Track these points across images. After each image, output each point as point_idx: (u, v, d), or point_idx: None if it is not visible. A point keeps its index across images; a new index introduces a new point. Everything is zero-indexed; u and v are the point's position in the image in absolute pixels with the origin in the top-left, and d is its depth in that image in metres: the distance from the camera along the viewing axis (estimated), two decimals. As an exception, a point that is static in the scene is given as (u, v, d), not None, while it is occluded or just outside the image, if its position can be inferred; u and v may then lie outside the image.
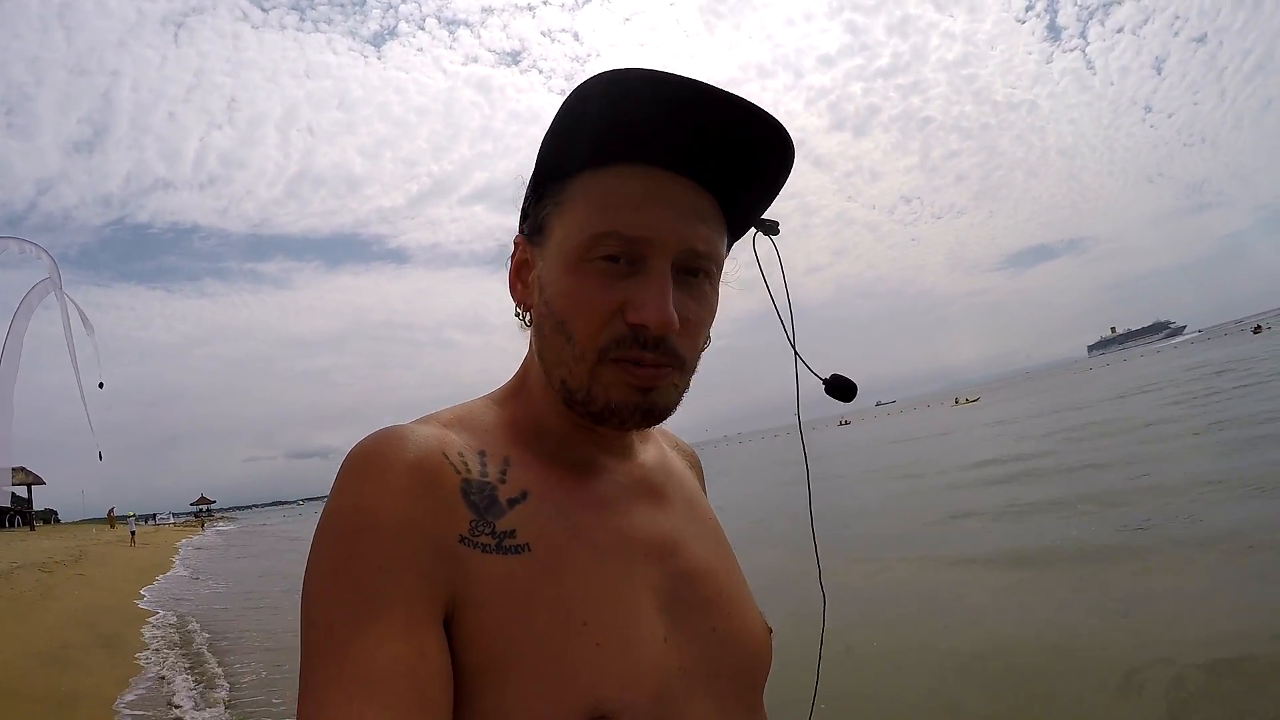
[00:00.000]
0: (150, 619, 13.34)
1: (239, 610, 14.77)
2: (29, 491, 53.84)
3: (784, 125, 0.77)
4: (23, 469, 47.91)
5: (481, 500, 0.75)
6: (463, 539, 0.72)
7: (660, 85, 0.73)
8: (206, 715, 7.15)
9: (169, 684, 8.31)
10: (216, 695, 7.81)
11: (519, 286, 0.88)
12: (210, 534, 61.41)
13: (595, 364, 0.77)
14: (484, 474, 0.78)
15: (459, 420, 0.83)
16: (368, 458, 0.73)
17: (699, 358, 0.83)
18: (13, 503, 41.86)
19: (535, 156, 0.85)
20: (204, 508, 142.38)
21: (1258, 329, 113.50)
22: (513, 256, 0.88)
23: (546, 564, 0.75)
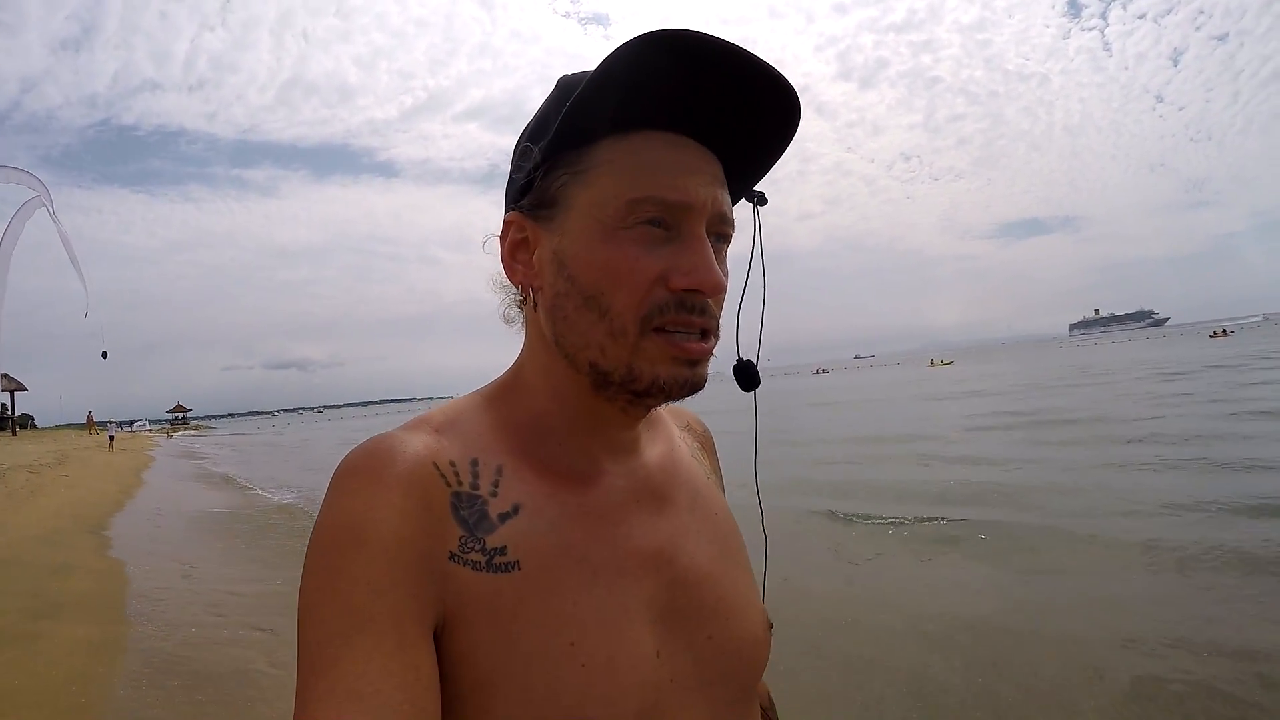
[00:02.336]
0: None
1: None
2: (11, 398, 55.18)
3: (799, 97, 0.77)
4: (6, 375, 49.15)
5: (472, 515, 0.75)
6: (452, 555, 0.72)
7: (687, 48, 0.71)
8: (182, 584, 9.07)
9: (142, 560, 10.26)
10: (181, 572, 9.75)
11: (518, 269, 0.83)
12: (169, 443, 63.09)
13: (637, 338, 0.76)
14: (475, 486, 0.77)
15: (451, 423, 0.82)
16: (357, 471, 0.72)
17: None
18: (-3, 409, 43.57)
19: (534, 127, 0.82)
20: (180, 415, 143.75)
21: (1214, 334, 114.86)
22: (503, 237, 0.84)
23: (536, 582, 0.74)
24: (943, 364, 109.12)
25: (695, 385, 0.80)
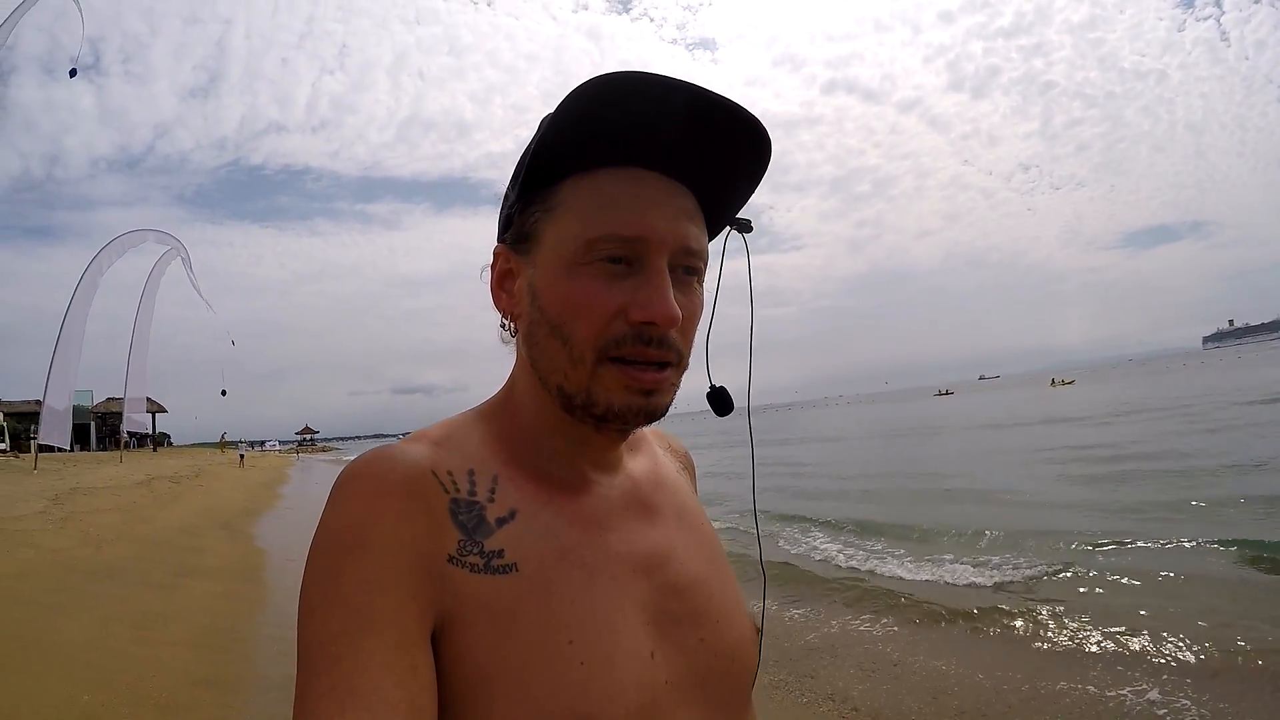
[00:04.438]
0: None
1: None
2: (153, 419, 60.21)
3: (764, 126, 0.79)
4: (149, 399, 53.59)
5: (470, 520, 0.76)
6: (451, 558, 0.73)
7: (647, 89, 0.74)
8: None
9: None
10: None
11: (503, 297, 0.88)
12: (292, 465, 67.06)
13: (594, 365, 0.78)
14: (473, 493, 0.78)
15: (448, 437, 0.84)
16: (359, 478, 0.74)
17: (690, 354, 0.84)
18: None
19: (515, 166, 0.85)
20: (307, 437, 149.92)
21: None
22: (493, 267, 0.88)
23: (533, 583, 0.75)
24: (1064, 384, 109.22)
25: (651, 414, 0.82)
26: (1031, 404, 55.72)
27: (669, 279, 0.78)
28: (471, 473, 0.80)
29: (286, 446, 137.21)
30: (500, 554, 0.76)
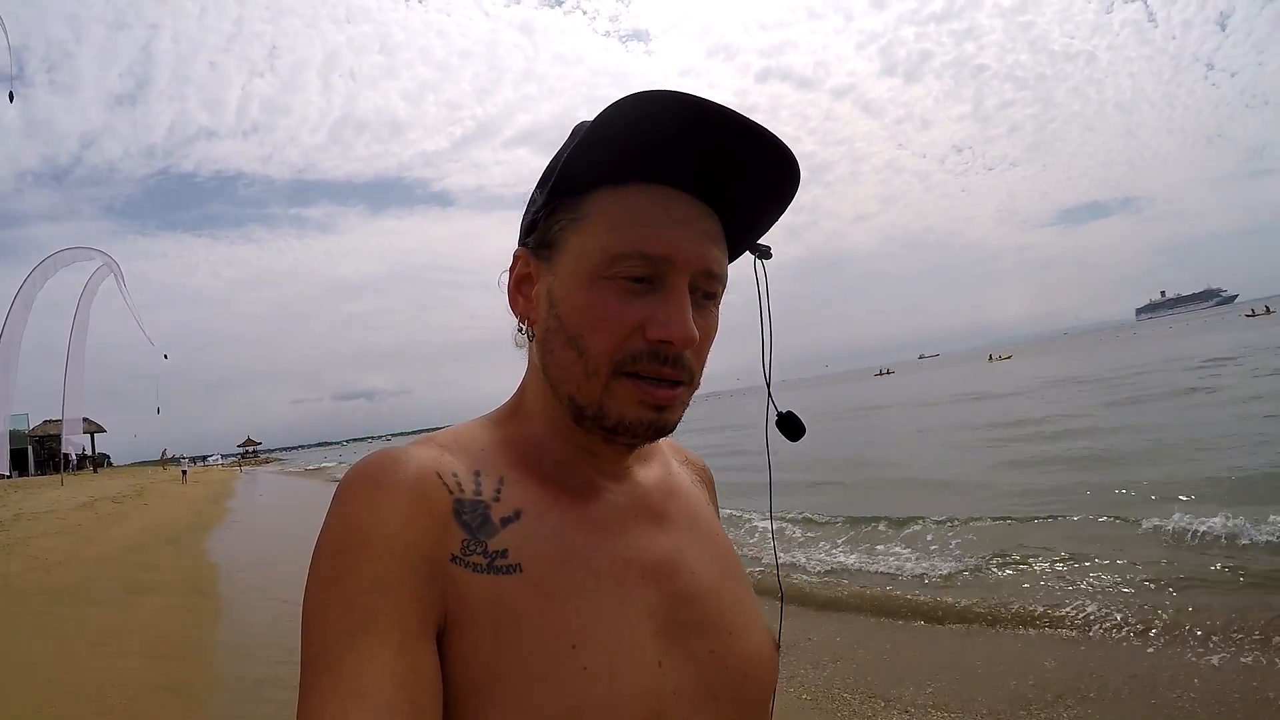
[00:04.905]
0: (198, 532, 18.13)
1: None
2: (91, 439, 59.19)
3: (795, 155, 0.80)
4: (87, 419, 52.47)
5: (474, 519, 0.76)
6: (454, 558, 0.73)
7: (682, 108, 0.74)
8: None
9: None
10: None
11: (520, 301, 0.88)
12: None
13: (608, 378, 0.79)
14: (478, 493, 0.79)
15: (456, 441, 0.84)
16: (363, 479, 0.74)
17: (701, 374, 0.84)
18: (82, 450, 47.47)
19: (544, 171, 0.86)
20: (249, 449, 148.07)
21: (1251, 313, 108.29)
22: (512, 270, 0.88)
23: (538, 585, 0.75)
24: (1002, 359, 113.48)
25: (660, 429, 0.82)
26: (968, 380, 57.50)
27: (689, 300, 0.79)
28: (477, 474, 0.81)
29: (229, 460, 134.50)
30: (504, 554, 0.76)
